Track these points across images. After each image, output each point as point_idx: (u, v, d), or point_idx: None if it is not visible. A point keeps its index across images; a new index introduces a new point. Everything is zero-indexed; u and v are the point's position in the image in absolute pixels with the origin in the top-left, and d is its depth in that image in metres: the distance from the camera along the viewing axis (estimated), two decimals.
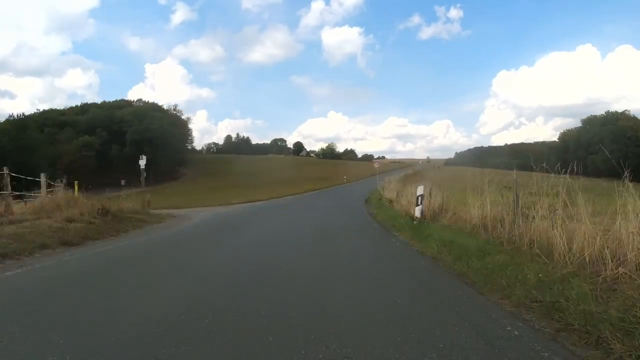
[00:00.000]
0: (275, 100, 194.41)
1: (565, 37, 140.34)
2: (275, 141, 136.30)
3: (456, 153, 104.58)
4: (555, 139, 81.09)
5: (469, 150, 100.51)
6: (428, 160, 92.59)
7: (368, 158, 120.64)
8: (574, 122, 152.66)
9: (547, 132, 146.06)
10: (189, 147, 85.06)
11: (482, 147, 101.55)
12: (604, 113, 70.82)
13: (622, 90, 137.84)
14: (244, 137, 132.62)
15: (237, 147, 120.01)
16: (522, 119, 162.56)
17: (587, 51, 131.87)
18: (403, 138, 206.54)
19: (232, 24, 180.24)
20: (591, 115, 73.04)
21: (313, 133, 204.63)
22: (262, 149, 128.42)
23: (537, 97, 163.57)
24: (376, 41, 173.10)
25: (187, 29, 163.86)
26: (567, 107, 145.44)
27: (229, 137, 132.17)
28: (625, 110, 69.35)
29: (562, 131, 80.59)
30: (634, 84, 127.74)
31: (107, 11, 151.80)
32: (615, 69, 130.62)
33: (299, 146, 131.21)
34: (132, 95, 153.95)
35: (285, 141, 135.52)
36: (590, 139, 61.69)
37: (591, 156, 50.50)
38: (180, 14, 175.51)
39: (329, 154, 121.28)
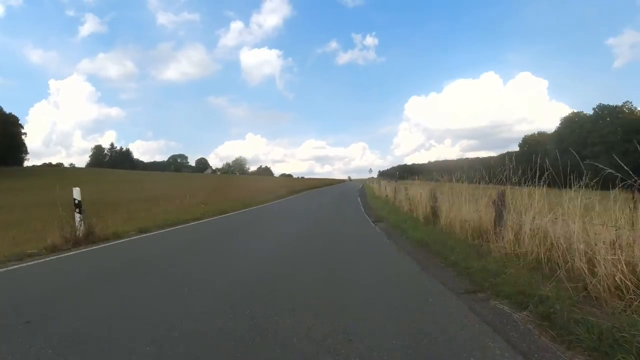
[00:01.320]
0: (191, 121, 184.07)
1: (471, 65, 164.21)
2: (174, 157, 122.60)
3: (379, 171, 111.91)
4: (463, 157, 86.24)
5: (393, 168, 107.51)
6: (350, 180, 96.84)
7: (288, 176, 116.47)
8: (479, 144, 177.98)
9: (455, 152, 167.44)
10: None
11: (405, 164, 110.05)
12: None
13: (522, 113, 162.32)
14: (121, 148, 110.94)
15: (116, 161, 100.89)
16: (432, 141, 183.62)
17: (490, 78, 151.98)
18: (321, 160, 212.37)
19: (146, 40, 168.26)
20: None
21: (231, 155, 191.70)
22: (159, 166, 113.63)
23: (445, 120, 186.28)
24: (294, 64, 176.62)
25: (96, 42, 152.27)
26: (473, 130, 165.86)
27: (98, 149, 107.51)
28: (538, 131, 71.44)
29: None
30: (533, 107, 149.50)
31: (8, 22, 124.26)
32: (516, 94, 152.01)
33: (203, 163, 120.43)
34: (34, 114, 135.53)
35: (187, 158, 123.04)
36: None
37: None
38: (88, 26, 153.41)
39: (238, 170, 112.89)
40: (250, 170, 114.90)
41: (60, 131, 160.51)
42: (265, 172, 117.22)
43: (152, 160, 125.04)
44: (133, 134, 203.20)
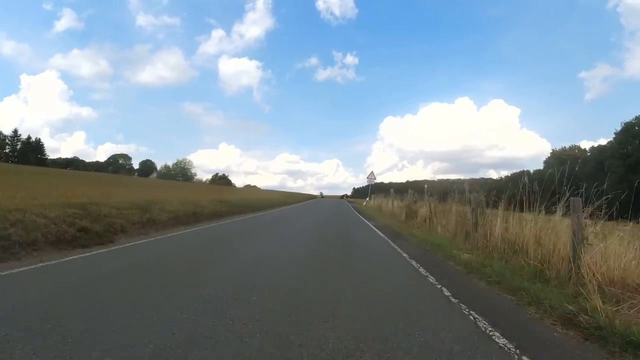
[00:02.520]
0: (163, 126, 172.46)
1: (446, 90, 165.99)
2: (115, 157, 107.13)
3: (354, 189, 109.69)
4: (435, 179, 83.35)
5: (369, 185, 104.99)
6: (322, 196, 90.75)
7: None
8: (450, 167, 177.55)
9: (427, 174, 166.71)
10: None
11: (382, 183, 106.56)
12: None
13: (494, 140, 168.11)
14: (28, 138, 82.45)
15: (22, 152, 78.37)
16: (405, 162, 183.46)
17: (464, 103, 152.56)
18: (294, 174, 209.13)
19: (122, 40, 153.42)
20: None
21: (203, 164, 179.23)
22: (95, 166, 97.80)
23: (419, 142, 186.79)
24: (273, 76, 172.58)
25: (71, 38, 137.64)
26: (445, 153, 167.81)
27: None
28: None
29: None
30: (505, 134, 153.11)
31: None
32: (488, 120, 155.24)
33: (148, 166, 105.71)
34: (2, 108, 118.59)
35: (131, 159, 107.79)
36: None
37: None
38: (65, 22, 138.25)
39: (180, 174, 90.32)
40: (196, 178, 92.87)
41: (29, 128, 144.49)
42: (221, 181, 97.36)
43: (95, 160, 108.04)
44: (103, 136, 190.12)
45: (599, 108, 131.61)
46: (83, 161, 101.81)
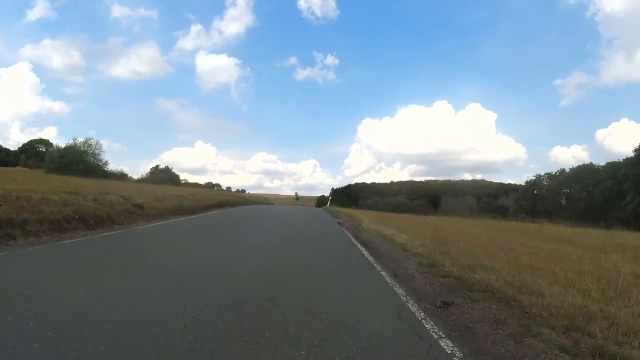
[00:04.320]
0: (137, 123, 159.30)
1: (425, 93, 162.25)
2: (32, 142, 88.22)
3: (332, 189, 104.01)
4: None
5: (342, 187, 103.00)
6: (297, 197, 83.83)
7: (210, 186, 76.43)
8: (427, 169, 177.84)
9: (403, 176, 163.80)
10: None
11: (357, 184, 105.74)
12: None
13: (470, 143, 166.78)
14: None
15: None
16: (382, 164, 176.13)
17: (442, 106, 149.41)
18: (271, 174, 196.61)
19: (96, 32, 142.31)
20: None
21: (178, 162, 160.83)
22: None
23: (396, 144, 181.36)
24: (252, 75, 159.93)
25: (43, 28, 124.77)
26: (422, 155, 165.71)
27: None
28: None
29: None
30: (481, 138, 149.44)
31: None
32: (465, 124, 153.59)
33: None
34: None
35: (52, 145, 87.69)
36: None
37: None
38: (37, 10, 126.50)
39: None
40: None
41: None
42: (161, 177, 60.03)
43: None
44: (75, 132, 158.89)
45: (574, 115, 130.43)
46: None
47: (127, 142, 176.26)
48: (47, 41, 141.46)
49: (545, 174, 57.23)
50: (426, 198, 77.01)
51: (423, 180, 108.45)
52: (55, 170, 27.14)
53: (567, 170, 54.80)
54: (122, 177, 41.45)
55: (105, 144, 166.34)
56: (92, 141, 34.80)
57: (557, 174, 55.00)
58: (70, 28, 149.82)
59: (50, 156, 35.99)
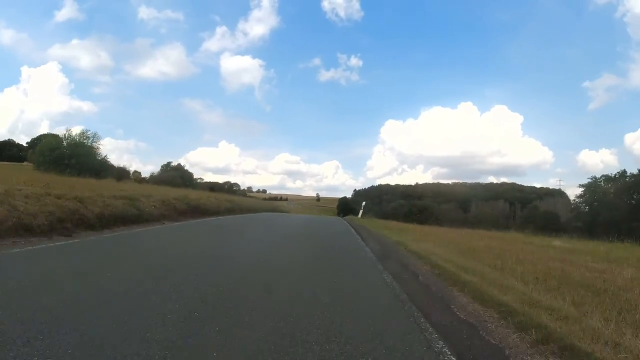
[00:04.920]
0: (163, 122, 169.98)
1: (449, 95, 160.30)
2: (40, 137, 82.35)
3: (355, 190, 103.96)
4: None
5: (365, 189, 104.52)
6: (318, 199, 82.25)
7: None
8: (451, 172, 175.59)
9: (426, 178, 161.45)
10: None
11: (381, 185, 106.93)
12: None
13: (496, 146, 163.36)
14: None
15: None
16: (405, 166, 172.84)
17: (467, 108, 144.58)
18: (293, 175, 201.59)
19: (124, 33, 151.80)
20: None
21: (202, 161, 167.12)
22: None
23: (420, 146, 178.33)
24: (276, 76, 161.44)
25: (71, 29, 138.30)
26: (446, 158, 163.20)
27: None
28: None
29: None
30: (507, 141, 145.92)
31: None
32: (491, 126, 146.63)
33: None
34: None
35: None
36: None
37: None
38: (66, 12, 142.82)
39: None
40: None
41: (28, 120, 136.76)
42: (171, 175, 49.82)
43: None
44: (103, 131, 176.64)
45: (602, 118, 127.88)
46: None
47: (152, 141, 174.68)
48: (75, 41, 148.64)
49: (602, 176, 49.05)
50: (455, 202, 71.89)
51: (450, 183, 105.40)
52: (44, 165, 23.99)
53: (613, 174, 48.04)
54: (124, 174, 37.47)
55: (132, 143, 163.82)
56: (89, 133, 29.79)
57: (617, 176, 46.99)
58: (97, 29, 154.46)
59: (39, 149, 31.23)
